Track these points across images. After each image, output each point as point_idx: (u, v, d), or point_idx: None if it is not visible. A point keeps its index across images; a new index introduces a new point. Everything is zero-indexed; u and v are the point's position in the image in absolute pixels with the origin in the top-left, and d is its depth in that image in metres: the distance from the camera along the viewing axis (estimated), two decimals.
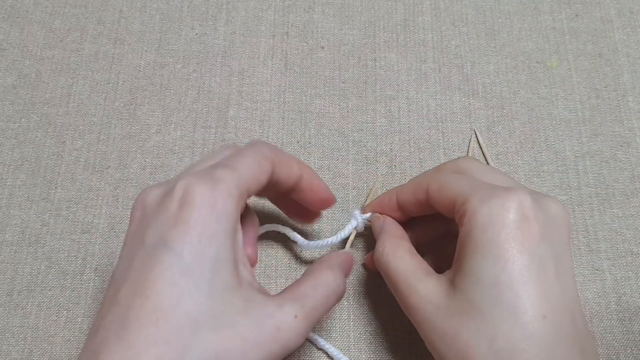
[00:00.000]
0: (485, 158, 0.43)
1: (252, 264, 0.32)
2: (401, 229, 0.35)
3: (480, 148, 0.44)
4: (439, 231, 0.37)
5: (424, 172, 0.36)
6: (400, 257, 0.32)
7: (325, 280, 0.30)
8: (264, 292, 0.29)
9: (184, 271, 0.25)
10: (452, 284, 0.29)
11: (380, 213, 0.37)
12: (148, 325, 0.24)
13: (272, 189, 0.32)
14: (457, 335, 0.27)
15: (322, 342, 0.37)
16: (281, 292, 0.29)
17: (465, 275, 0.28)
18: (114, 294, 0.26)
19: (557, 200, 0.30)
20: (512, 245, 0.27)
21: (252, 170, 0.29)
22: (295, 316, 0.27)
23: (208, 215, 0.26)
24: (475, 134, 0.44)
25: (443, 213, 0.32)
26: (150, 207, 0.28)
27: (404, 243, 0.33)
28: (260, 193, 0.32)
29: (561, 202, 0.29)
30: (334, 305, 0.30)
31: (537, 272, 0.26)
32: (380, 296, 0.39)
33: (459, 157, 0.35)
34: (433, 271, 0.31)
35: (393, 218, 0.36)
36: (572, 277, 0.28)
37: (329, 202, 0.35)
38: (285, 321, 0.27)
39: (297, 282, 0.30)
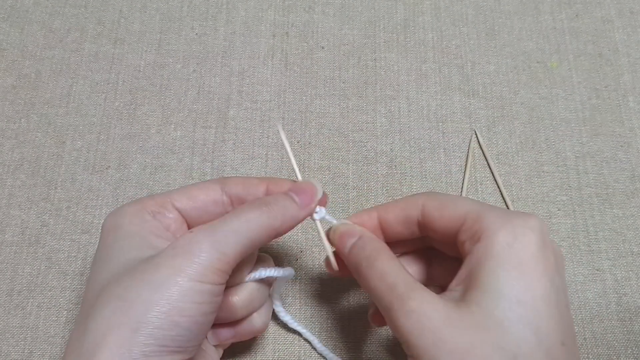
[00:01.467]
0: (486, 158, 0.43)
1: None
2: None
3: (481, 148, 0.44)
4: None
5: (407, 196, 0.34)
6: (388, 259, 0.30)
7: (238, 209, 0.30)
8: None
9: (95, 262, 0.30)
10: (463, 299, 0.27)
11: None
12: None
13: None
14: (471, 349, 0.25)
15: (319, 346, 0.37)
16: None
17: (484, 290, 0.26)
18: None
19: (555, 241, 0.30)
20: (536, 267, 0.26)
21: (179, 190, 0.33)
22: (191, 232, 0.28)
23: (110, 222, 0.31)
24: (476, 134, 0.44)
25: (438, 234, 0.31)
26: None
27: (388, 248, 0.31)
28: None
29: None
30: (259, 226, 0.29)
31: (556, 299, 0.26)
32: None
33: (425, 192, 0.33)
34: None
35: None
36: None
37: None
38: (179, 239, 0.28)
39: None
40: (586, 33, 0.48)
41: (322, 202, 0.33)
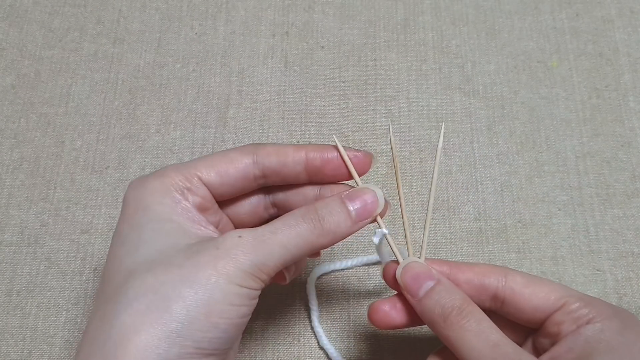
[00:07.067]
0: (436, 154, 0.35)
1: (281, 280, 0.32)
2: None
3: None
4: None
5: (479, 263, 0.32)
6: (482, 313, 0.28)
7: (288, 219, 0.28)
8: None
9: (122, 243, 0.28)
10: None
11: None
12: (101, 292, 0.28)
13: (278, 179, 0.31)
14: None
15: (325, 341, 0.37)
16: None
17: None
18: None
19: None
20: None
21: (206, 162, 0.30)
22: (239, 236, 0.27)
23: (135, 197, 0.29)
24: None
25: (522, 311, 0.30)
26: None
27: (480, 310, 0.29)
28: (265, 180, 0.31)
29: None
30: (307, 243, 0.28)
31: None
32: (380, 297, 0.39)
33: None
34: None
35: None
36: None
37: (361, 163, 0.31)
38: (224, 240, 0.27)
39: None
40: (586, 33, 0.48)
41: (381, 213, 0.30)
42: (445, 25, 0.48)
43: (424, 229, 0.31)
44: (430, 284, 0.29)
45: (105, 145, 0.44)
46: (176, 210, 0.28)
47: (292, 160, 0.30)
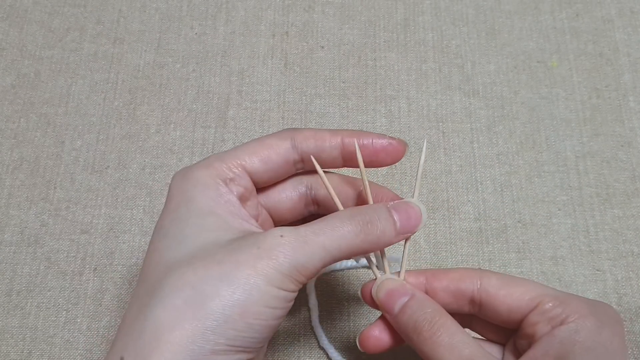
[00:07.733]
0: (418, 172, 0.32)
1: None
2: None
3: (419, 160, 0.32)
4: None
5: (455, 268, 0.32)
6: (455, 325, 0.28)
7: (333, 220, 0.28)
8: None
9: (164, 236, 0.28)
10: None
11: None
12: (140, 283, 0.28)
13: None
14: None
15: (325, 341, 0.37)
16: None
17: None
18: None
19: None
20: (620, 358, 0.27)
21: (248, 150, 0.30)
22: (281, 236, 0.26)
23: (179, 189, 0.29)
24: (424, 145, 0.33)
25: (499, 313, 0.29)
26: None
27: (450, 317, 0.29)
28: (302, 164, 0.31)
29: None
30: (349, 246, 0.27)
31: None
32: None
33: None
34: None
35: None
36: None
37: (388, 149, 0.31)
38: (265, 239, 0.26)
39: None
40: (586, 33, 0.48)
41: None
42: (445, 25, 0.48)
43: (404, 246, 0.31)
44: (404, 299, 0.29)
45: (105, 145, 0.44)
46: (219, 202, 0.28)
47: (329, 145, 0.31)
